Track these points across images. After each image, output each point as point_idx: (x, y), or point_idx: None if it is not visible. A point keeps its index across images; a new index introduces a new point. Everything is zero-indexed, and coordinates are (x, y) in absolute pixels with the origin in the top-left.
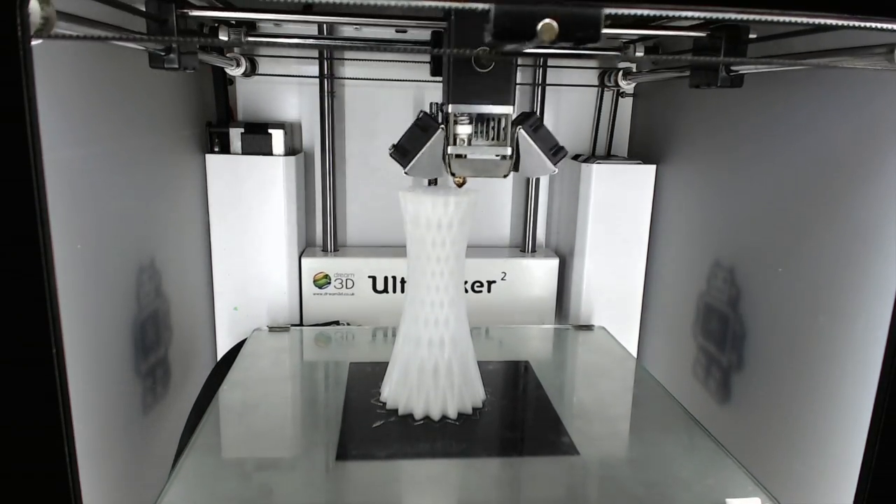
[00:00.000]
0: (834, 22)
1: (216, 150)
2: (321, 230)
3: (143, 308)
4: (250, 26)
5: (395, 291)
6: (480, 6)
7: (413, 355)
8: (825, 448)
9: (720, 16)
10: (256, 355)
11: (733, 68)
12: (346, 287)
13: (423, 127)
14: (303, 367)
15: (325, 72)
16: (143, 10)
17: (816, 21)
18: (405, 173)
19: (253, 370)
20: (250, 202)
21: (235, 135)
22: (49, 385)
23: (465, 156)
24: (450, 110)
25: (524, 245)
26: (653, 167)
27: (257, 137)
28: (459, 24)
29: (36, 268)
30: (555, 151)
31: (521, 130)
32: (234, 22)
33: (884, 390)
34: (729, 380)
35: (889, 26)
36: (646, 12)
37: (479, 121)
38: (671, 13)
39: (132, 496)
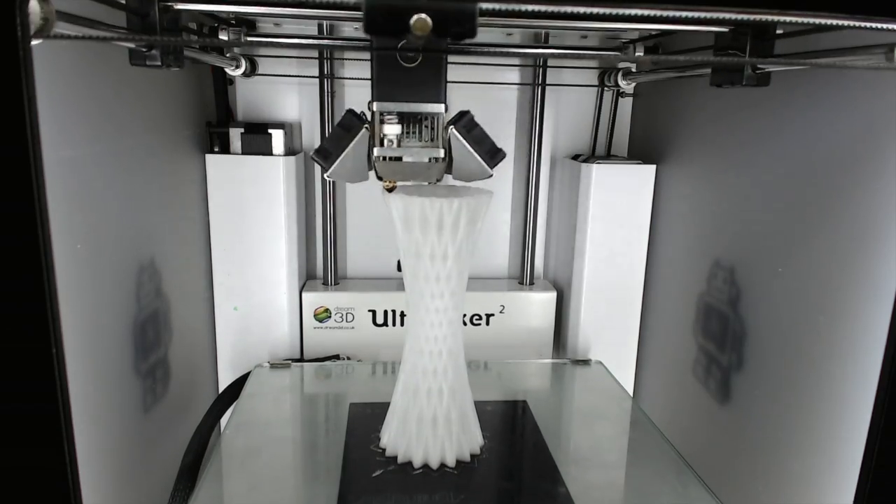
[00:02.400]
0: (834, 22)
1: (216, 150)
2: (321, 230)
3: (143, 308)
4: (250, 26)
5: (394, 325)
6: None
7: (412, 405)
8: (825, 448)
9: (720, 16)
10: (258, 395)
11: (758, 66)
12: (347, 321)
13: (347, 127)
14: (303, 408)
15: (325, 72)
16: (124, 3)
17: (816, 21)
18: (326, 177)
19: (255, 412)
20: (250, 201)
21: (235, 135)
22: (49, 385)
23: (392, 158)
24: (375, 108)
25: (522, 277)
26: (653, 167)
27: (257, 137)
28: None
29: (36, 268)
30: (492, 154)
31: (454, 130)
32: (232, 21)
33: (884, 390)
34: (729, 380)
35: (889, 26)
36: (647, 12)
37: (409, 120)
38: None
39: (132, 496)
